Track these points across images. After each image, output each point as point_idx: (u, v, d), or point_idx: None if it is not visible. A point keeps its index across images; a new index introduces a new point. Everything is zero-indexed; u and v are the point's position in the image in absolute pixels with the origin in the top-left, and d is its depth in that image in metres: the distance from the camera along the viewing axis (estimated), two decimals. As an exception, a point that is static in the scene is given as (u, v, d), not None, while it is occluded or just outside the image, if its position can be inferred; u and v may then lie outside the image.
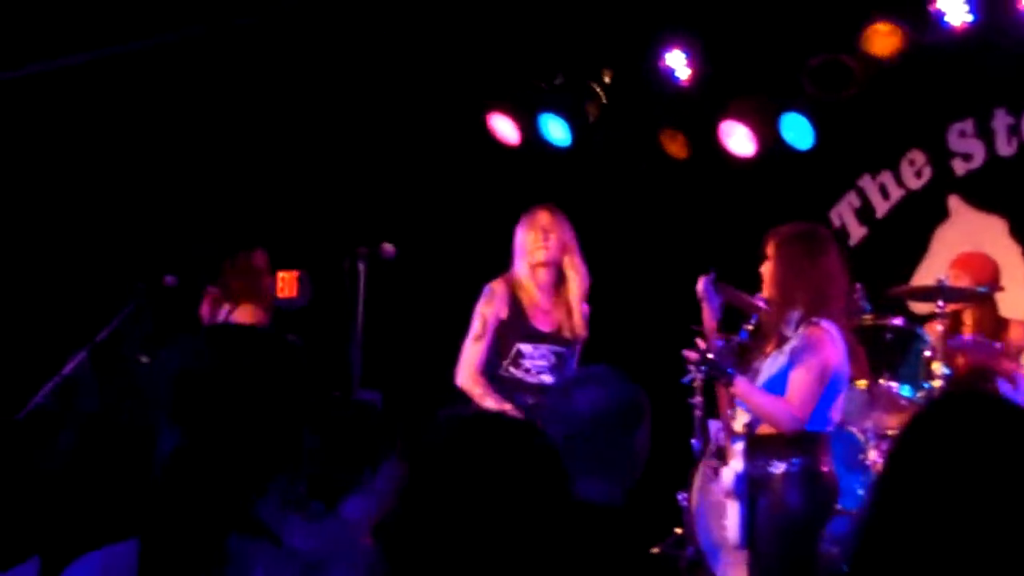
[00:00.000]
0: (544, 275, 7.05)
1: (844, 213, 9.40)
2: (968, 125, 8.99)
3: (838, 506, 6.93)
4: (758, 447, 6.04)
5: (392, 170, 9.77)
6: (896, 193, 9.25)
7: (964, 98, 8.95)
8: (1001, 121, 8.88)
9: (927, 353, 7.17)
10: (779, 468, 5.96)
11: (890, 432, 7.12)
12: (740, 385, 6.00)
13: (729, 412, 6.41)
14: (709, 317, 6.35)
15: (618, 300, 9.57)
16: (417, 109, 9.72)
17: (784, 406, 5.92)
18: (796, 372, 5.92)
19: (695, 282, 6.63)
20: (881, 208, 9.30)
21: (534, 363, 6.99)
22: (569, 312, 7.07)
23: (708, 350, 6.00)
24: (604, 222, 9.86)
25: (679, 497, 7.62)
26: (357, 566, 2.94)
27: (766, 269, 6.14)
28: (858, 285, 7.44)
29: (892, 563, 2.53)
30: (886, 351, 7.32)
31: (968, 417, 2.59)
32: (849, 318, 7.28)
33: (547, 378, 6.98)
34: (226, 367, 2.84)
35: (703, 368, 6.01)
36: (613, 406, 3.86)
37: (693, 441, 7.70)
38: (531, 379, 6.99)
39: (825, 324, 5.95)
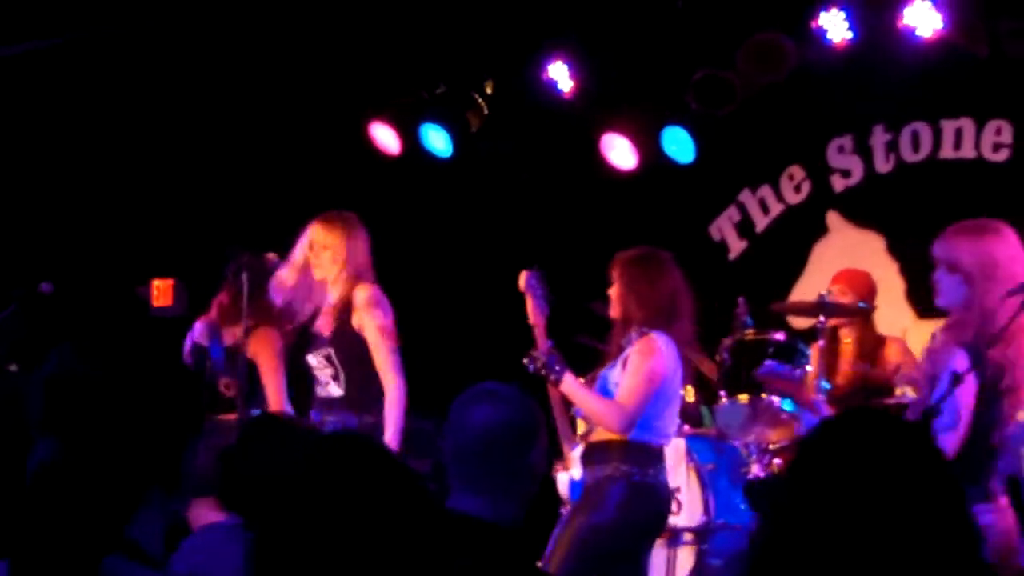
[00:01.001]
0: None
1: (724, 227, 9.44)
2: (847, 141, 9.07)
3: (709, 519, 6.99)
4: (593, 454, 6.15)
5: (273, 178, 9.64)
6: (776, 208, 9.30)
7: (843, 115, 9.04)
8: (879, 138, 8.97)
9: (809, 368, 7.21)
10: (612, 476, 6.05)
11: (772, 446, 7.15)
12: (568, 383, 6.15)
13: (563, 417, 6.51)
14: (536, 313, 6.36)
15: (499, 310, 9.53)
16: (297, 117, 9.61)
17: (611, 406, 6.07)
18: (625, 376, 6.07)
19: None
20: (761, 223, 9.35)
21: (319, 374, 6.88)
22: (335, 308, 6.89)
23: (536, 347, 6.19)
24: (485, 233, 9.83)
25: (563, 511, 7.57)
26: None
27: (612, 291, 6.32)
28: (740, 299, 7.48)
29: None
30: (768, 366, 7.33)
31: (859, 434, 2.61)
32: (732, 333, 7.34)
33: (334, 391, 6.82)
34: (100, 378, 2.76)
35: (532, 366, 6.15)
36: (505, 425, 3.82)
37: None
38: (322, 393, 6.87)
39: (656, 335, 6.12)
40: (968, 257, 5.38)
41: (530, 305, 6.38)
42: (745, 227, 9.40)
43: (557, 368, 6.12)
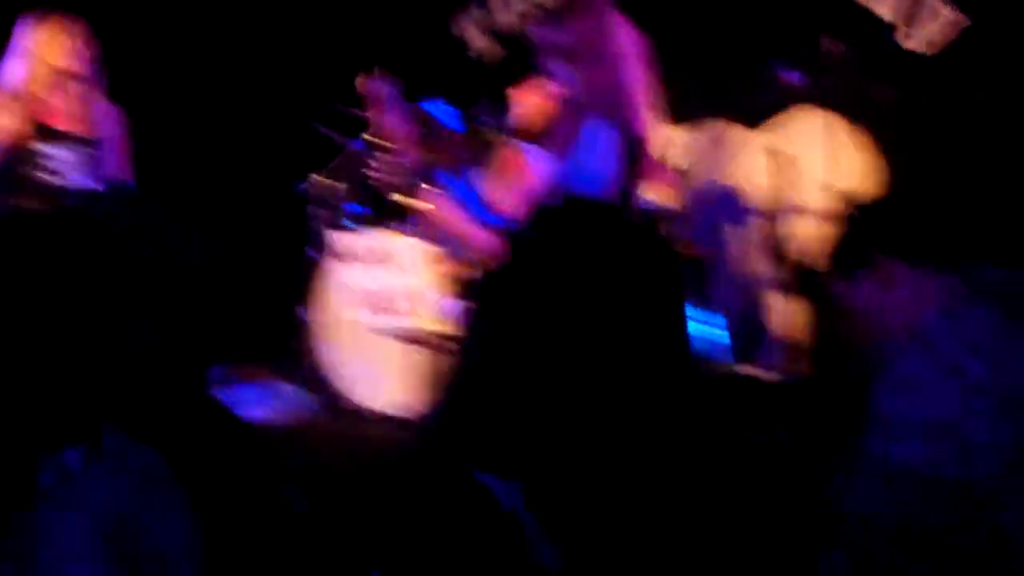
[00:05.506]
0: None
1: (467, 25, 9.32)
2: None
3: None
4: None
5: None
6: (519, 5, 9.20)
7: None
8: None
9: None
10: None
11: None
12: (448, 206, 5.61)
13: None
14: (400, 122, 5.31)
15: (236, 106, 9.31)
16: None
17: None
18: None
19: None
20: (505, 20, 9.27)
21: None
22: None
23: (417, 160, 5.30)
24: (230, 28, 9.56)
25: (298, 310, 7.50)
26: None
27: None
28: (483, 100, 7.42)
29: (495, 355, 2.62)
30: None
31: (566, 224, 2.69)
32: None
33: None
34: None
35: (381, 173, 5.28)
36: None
37: (310, 251, 7.59)
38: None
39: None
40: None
41: (387, 116, 5.26)
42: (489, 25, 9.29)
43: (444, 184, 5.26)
